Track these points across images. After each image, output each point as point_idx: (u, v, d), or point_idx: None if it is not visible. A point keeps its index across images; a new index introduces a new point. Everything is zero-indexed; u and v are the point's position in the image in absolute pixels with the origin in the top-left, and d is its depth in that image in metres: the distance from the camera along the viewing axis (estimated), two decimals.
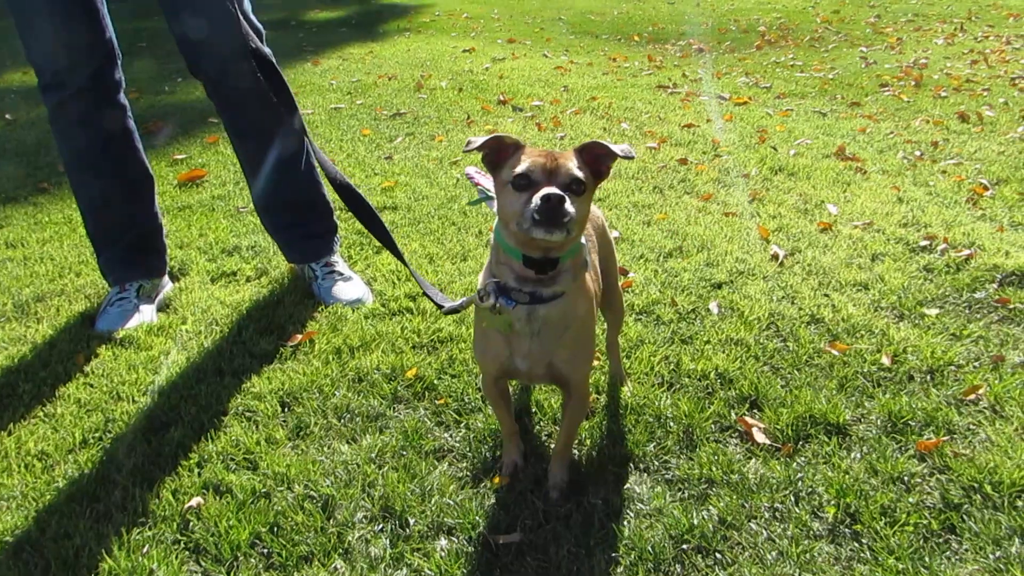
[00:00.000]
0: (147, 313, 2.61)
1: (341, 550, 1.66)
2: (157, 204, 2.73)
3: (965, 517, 1.69)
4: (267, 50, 2.35)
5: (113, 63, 2.46)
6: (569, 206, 1.38)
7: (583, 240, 1.56)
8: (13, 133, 4.83)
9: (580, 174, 1.45)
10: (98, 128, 2.49)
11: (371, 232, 1.97)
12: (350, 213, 2.93)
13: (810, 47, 7.30)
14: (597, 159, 1.52)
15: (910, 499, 1.74)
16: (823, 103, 5.26)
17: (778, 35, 7.90)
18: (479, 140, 1.51)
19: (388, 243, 1.95)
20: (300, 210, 2.73)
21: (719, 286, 2.71)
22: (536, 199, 1.38)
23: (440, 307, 1.78)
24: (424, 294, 1.92)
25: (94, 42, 2.39)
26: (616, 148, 1.48)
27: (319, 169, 2.72)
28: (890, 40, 7.42)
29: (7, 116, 5.17)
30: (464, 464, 1.91)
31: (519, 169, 1.45)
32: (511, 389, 1.94)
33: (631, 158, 1.51)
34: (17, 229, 3.37)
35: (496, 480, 1.84)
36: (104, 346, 2.43)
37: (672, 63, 6.75)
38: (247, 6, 2.38)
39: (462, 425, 2.03)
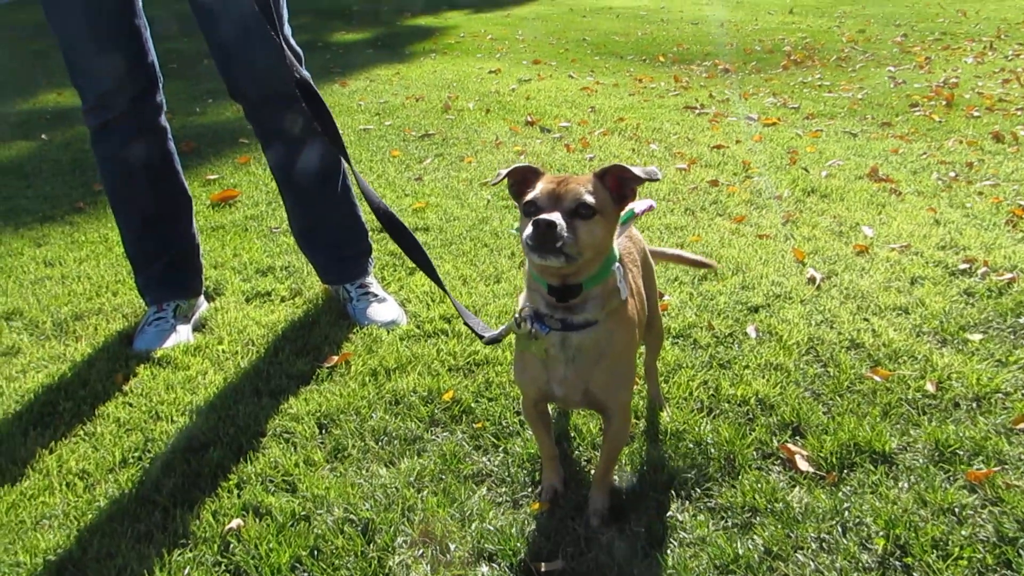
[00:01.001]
0: (184, 333, 2.63)
1: (382, 575, 1.65)
2: (195, 225, 2.76)
3: (1021, 552, 1.64)
4: (306, 74, 2.37)
5: (155, 87, 2.50)
6: (564, 231, 1.38)
7: (616, 267, 1.54)
8: (49, 153, 4.92)
9: (590, 199, 1.43)
10: (139, 150, 2.53)
11: (413, 261, 1.96)
12: (383, 234, 2.97)
13: (837, 67, 7.27)
14: (621, 183, 1.50)
15: (962, 532, 1.69)
16: (853, 123, 5.22)
17: (804, 55, 7.87)
18: (504, 172, 1.55)
19: (430, 273, 1.94)
20: (336, 231, 2.74)
21: (756, 310, 2.68)
22: (529, 225, 1.39)
23: (481, 337, 1.77)
24: (465, 323, 1.91)
25: (137, 66, 2.44)
26: (638, 171, 1.46)
27: (355, 190, 2.74)
28: (918, 59, 7.37)
29: (43, 136, 5.27)
30: (503, 489, 1.89)
31: (529, 196, 1.48)
32: (551, 413, 1.92)
33: (656, 180, 1.50)
34: (55, 248, 3.43)
35: (536, 506, 1.82)
36: (142, 366, 2.45)
37: (698, 84, 6.75)
38: (288, 30, 2.41)
39: (500, 449, 2.02)
